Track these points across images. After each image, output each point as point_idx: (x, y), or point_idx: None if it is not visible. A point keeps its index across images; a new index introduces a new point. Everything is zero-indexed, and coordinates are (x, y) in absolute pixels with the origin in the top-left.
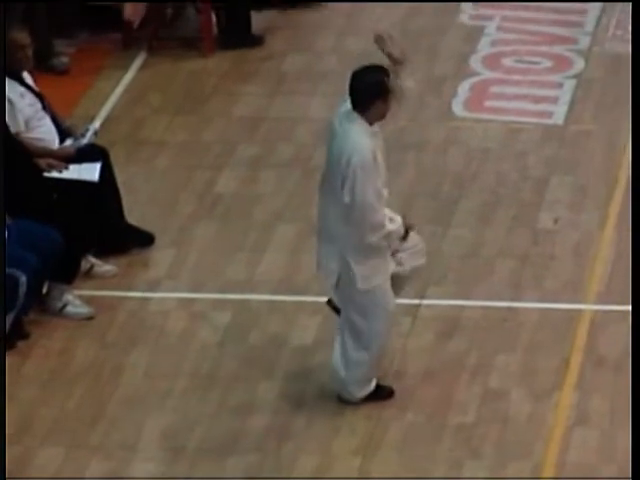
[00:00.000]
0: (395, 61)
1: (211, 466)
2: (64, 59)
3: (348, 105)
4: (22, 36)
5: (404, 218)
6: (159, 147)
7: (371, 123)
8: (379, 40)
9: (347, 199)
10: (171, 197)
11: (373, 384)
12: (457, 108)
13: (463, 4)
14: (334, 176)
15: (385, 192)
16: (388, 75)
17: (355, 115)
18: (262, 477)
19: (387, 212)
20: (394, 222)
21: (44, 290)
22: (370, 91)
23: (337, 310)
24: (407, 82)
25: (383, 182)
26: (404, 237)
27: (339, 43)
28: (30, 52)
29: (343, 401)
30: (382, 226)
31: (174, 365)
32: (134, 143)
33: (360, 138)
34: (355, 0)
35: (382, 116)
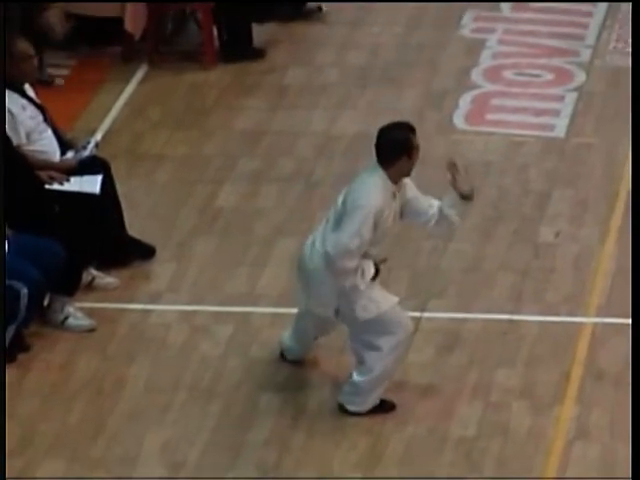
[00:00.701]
0: (463, 196)
1: None
2: (52, 71)
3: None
4: (27, 47)
5: (375, 264)
6: (160, 161)
7: (395, 181)
8: (452, 167)
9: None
10: (172, 211)
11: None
12: (458, 121)
13: (464, 18)
14: (334, 219)
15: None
16: (414, 132)
17: (379, 169)
18: None
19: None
20: (365, 275)
21: (45, 302)
22: (396, 148)
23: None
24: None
25: (377, 244)
26: (374, 277)
27: (340, 57)
28: (35, 63)
29: (346, 412)
30: (346, 274)
31: (175, 378)
32: (135, 156)
33: (376, 189)
34: None
35: (406, 173)
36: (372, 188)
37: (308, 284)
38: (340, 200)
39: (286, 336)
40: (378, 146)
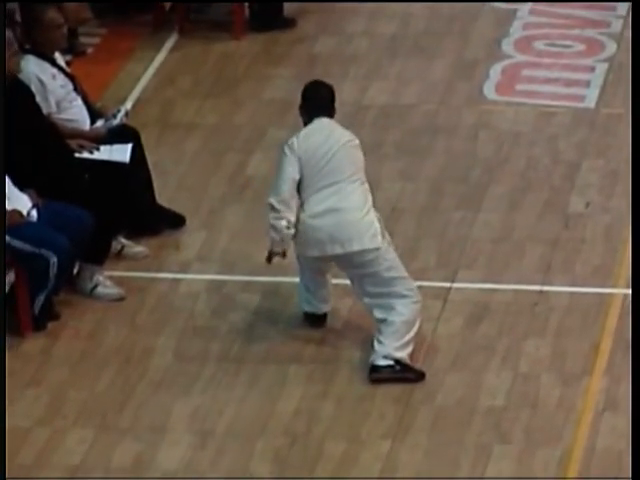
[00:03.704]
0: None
1: (239, 450)
2: (83, 40)
3: None
4: (57, 15)
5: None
6: (189, 130)
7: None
8: None
9: None
10: (201, 180)
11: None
12: (488, 92)
13: None
14: None
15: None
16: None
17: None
18: (290, 461)
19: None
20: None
21: (75, 271)
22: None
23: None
24: None
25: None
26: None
27: (370, 26)
28: (65, 31)
29: (378, 376)
30: (271, 208)
31: (203, 348)
32: (164, 126)
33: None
34: None
35: None
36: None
37: (344, 225)
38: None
39: (300, 296)
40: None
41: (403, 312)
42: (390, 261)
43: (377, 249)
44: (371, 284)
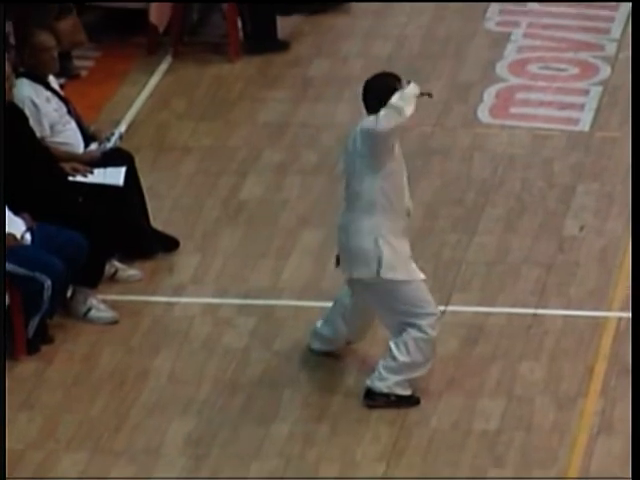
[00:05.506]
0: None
1: (234, 472)
2: (77, 63)
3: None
4: (48, 38)
5: None
6: (184, 152)
7: None
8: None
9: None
10: (196, 203)
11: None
12: (482, 114)
13: (489, 11)
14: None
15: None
16: (399, 80)
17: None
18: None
19: None
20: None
21: (68, 294)
22: (377, 95)
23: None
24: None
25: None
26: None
27: (365, 48)
28: (55, 54)
29: (372, 401)
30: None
31: (198, 370)
32: (159, 148)
33: None
34: (381, 0)
35: None
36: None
37: (347, 247)
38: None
39: (318, 324)
40: (363, 95)
41: (410, 351)
42: (394, 293)
43: (361, 280)
44: (379, 315)
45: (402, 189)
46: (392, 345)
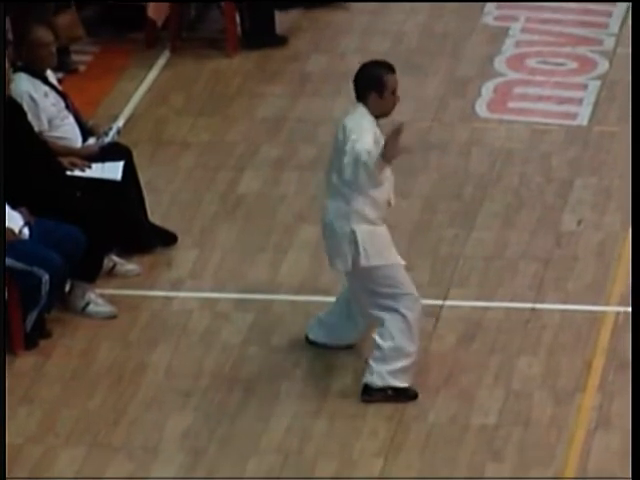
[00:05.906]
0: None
1: (232, 467)
2: (75, 58)
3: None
4: (46, 34)
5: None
6: (182, 147)
7: (375, 116)
8: (394, 131)
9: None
10: (194, 198)
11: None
12: (480, 109)
13: (487, 5)
14: (337, 156)
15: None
16: (392, 71)
17: (359, 104)
18: (283, 478)
19: None
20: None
21: (66, 289)
22: (366, 83)
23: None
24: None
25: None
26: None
27: (363, 44)
28: (54, 49)
29: (369, 396)
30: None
31: (196, 365)
32: (157, 143)
33: (362, 118)
34: (378, 0)
35: (380, 113)
36: (358, 118)
37: (326, 240)
38: (339, 141)
39: (319, 316)
40: (355, 81)
41: (393, 335)
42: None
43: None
44: (362, 304)
45: (383, 181)
46: (376, 337)
